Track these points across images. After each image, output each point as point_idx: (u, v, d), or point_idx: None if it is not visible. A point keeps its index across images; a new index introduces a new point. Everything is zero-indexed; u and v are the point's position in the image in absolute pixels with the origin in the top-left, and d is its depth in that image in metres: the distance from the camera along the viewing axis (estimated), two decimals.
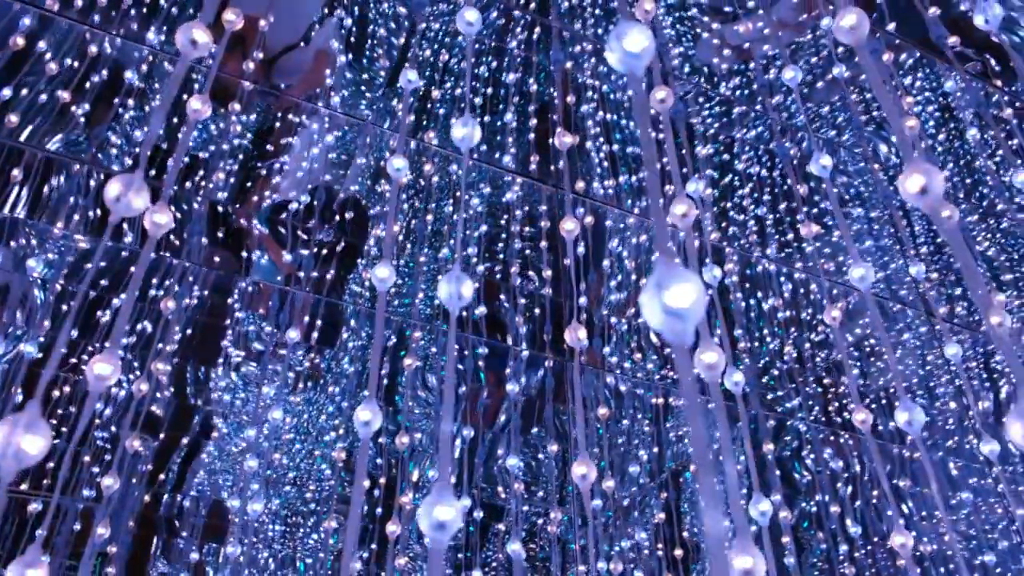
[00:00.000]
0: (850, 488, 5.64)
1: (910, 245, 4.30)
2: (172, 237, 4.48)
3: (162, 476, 5.53)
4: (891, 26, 3.46)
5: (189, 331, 4.83)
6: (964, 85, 3.46)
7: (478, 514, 3.54)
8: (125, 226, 4.48)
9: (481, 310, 3.92)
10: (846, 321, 5.47)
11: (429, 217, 4.84)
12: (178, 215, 4.57)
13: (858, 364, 5.65)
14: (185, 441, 5.53)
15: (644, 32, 0.74)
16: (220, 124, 4.71)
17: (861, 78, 4.71)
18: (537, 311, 4.83)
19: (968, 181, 5.27)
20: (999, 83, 3.92)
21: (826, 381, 5.65)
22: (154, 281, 4.44)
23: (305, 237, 4.28)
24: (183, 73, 1.04)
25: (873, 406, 5.51)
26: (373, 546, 4.35)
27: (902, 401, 1.25)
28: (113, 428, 4.51)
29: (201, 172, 4.70)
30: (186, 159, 4.59)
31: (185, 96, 4.02)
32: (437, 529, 0.70)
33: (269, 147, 4.95)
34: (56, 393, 4.24)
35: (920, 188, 0.90)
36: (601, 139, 4.65)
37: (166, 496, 5.67)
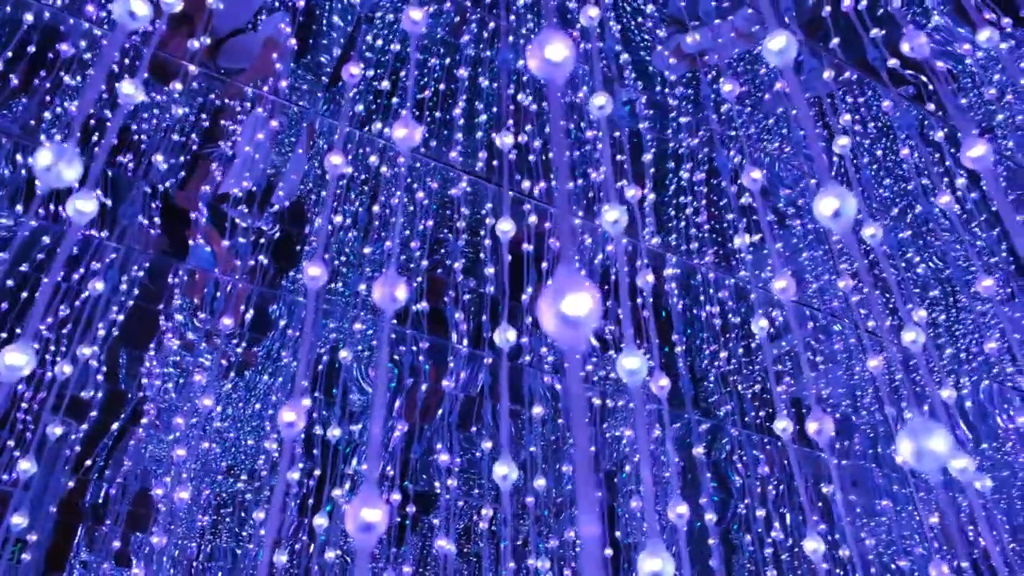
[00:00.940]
0: (781, 489, 5.78)
1: (840, 259, 4.45)
2: (106, 214, 4.35)
3: (88, 462, 5.36)
4: (835, 41, 3.55)
5: (123, 316, 4.70)
6: (899, 106, 3.58)
7: (411, 509, 3.53)
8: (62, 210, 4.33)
9: (422, 305, 3.91)
10: (782, 330, 5.60)
11: (375, 208, 4.78)
12: (108, 202, 4.44)
13: (791, 372, 5.80)
14: (114, 427, 5.38)
15: (566, 41, 0.75)
16: (161, 104, 4.59)
17: (806, 95, 4.82)
18: (484, 308, 4.83)
19: (900, 203, 5.45)
20: (932, 107, 4.06)
21: (757, 388, 5.79)
22: (96, 265, 4.30)
23: (245, 225, 4.20)
24: (120, 44, 1.02)
25: (804, 412, 5.66)
26: (304, 537, 4.30)
27: (813, 410, 1.30)
28: (34, 409, 4.36)
29: (140, 153, 4.58)
30: (136, 141, 4.47)
31: (126, 62, 3.91)
32: (363, 530, 0.69)
33: (212, 131, 4.84)
34: None
35: (833, 211, 0.93)
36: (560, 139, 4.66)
37: (92, 483, 5.50)
